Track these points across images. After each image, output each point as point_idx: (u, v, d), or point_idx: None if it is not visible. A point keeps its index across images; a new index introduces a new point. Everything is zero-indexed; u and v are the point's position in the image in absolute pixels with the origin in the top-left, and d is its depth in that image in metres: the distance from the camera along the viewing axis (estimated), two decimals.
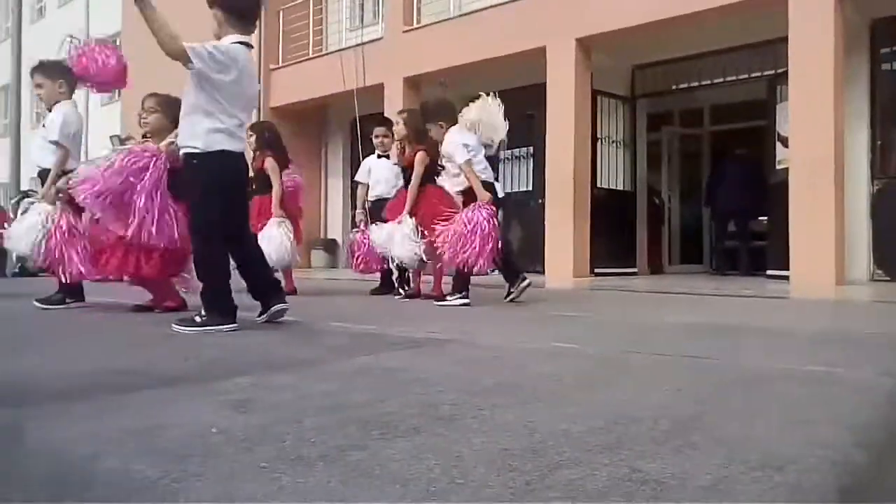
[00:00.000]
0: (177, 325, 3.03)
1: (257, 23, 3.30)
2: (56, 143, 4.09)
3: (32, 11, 19.44)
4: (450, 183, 4.72)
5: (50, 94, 4.20)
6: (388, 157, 5.77)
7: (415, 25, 9.74)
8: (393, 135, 5.58)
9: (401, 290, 5.39)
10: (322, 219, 12.33)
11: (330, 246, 11.93)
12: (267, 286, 3.31)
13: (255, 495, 1.01)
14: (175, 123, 3.48)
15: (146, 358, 2.43)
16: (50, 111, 4.21)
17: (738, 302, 5.04)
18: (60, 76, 4.21)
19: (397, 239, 4.80)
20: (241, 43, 3.10)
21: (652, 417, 1.48)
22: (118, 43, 16.35)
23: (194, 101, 3.04)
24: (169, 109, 3.75)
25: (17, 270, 9.14)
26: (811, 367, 2.17)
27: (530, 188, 9.52)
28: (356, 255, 5.85)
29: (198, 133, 3.02)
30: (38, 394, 1.70)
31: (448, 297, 4.58)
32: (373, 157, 5.97)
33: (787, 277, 6.46)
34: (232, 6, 3.09)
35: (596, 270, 8.27)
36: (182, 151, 3.14)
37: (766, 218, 7.95)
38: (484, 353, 2.51)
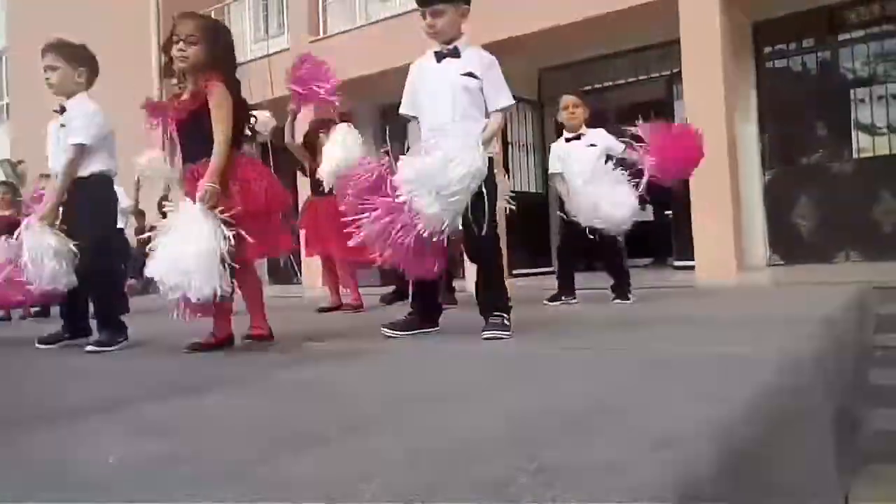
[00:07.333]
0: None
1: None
2: (81, 145, 3.22)
3: None
4: None
5: (64, 80, 3.31)
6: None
7: (321, 35, 9.66)
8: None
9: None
10: None
11: None
12: None
13: None
14: (219, 58, 2.82)
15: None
16: (63, 111, 3.34)
17: (650, 294, 5.23)
18: (83, 63, 3.36)
19: None
20: None
21: (560, 410, 1.54)
22: (4, 59, 15.54)
23: None
24: (213, 37, 2.86)
25: None
26: (714, 347, 2.30)
27: None
28: None
29: None
30: None
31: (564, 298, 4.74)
32: None
33: (692, 267, 6.79)
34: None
35: (514, 272, 8.41)
36: None
37: (670, 212, 8.30)
38: (408, 362, 2.53)
